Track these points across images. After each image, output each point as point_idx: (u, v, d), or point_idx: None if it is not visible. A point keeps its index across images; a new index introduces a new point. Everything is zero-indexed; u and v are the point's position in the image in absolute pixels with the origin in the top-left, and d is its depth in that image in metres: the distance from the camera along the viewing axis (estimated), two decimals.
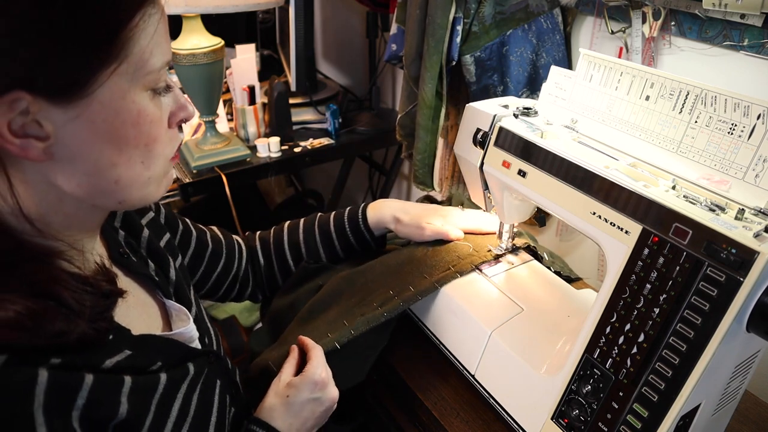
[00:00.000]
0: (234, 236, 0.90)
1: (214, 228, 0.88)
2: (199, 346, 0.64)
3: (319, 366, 0.68)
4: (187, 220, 0.82)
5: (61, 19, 0.40)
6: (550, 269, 0.88)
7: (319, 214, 0.93)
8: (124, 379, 0.48)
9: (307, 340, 0.72)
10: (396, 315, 0.77)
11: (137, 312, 0.58)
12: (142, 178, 0.50)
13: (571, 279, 0.92)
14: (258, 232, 0.94)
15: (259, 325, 1.61)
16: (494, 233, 0.90)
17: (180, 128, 0.54)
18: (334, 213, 0.93)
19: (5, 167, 0.44)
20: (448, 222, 0.88)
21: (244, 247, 0.90)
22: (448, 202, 1.05)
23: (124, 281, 0.58)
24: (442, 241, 0.87)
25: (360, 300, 0.80)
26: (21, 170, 0.45)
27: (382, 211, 0.90)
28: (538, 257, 0.89)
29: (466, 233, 0.88)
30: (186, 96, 0.54)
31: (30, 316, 0.41)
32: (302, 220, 0.93)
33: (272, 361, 0.74)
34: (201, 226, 0.84)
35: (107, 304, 0.49)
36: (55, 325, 0.43)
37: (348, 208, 0.92)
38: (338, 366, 0.72)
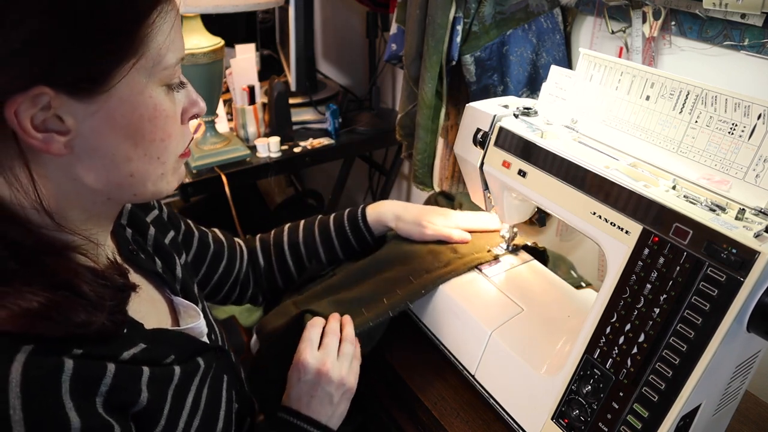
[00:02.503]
0: (235, 238, 0.91)
1: (215, 230, 0.88)
2: (207, 342, 0.65)
3: (301, 349, 0.70)
4: (189, 221, 0.82)
5: (82, 15, 0.41)
6: (582, 285, 0.88)
7: (320, 216, 0.94)
8: (142, 369, 0.50)
9: (330, 318, 0.75)
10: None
11: (147, 308, 0.59)
12: (156, 172, 0.51)
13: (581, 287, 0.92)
14: (258, 235, 0.94)
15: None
16: (496, 231, 0.90)
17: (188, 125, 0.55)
18: (334, 214, 0.93)
19: (28, 162, 0.45)
20: (449, 221, 0.88)
21: (245, 249, 0.90)
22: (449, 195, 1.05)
23: (133, 278, 0.59)
24: (443, 243, 0.87)
25: (395, 277, 0.82)
26: (42, 165, 0.46)
27: (382, 209, 0.90)
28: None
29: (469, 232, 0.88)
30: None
31: (53, 307, 0.42)
32: (302, 222, 0.94)
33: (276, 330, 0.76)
34: (203, 227, 0.85)
35: (122, 297, 0.50)
36: (78, 315, 0.44)
37: (348, 209, 0.92)
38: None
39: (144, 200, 0.54)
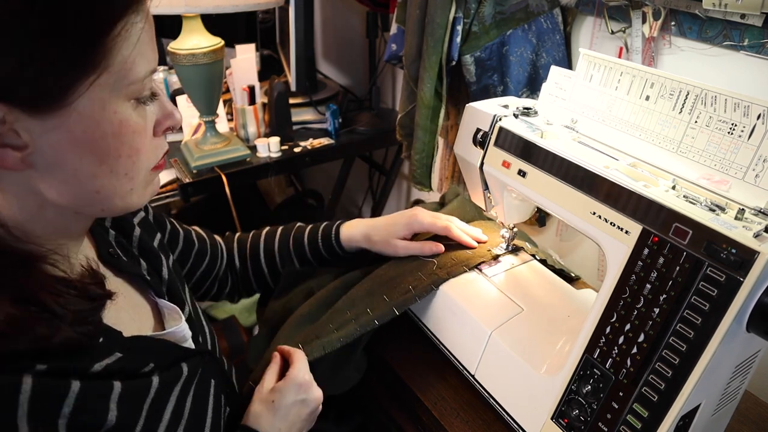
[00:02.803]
0: (215, 236, 0.91)
1: (197, 228, 0.88)
2: (192, 346, 0.64)
3: (302, 369, 0.68)
4: (173, 219, 0.82)
5: (38, 30, 0.39)
6: (546, 263, 0.87)
7: (298, 224, 0.93)
8: (113, 384, 0.47)
9: (287, 348, 0.72)
10: (367, 330, 0.75)
11: (128, 313, 0.58)
12: (124, 188, 0.49)
13: (571, 278, 0.92)
14: (237, 234, 0.94)
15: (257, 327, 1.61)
16: (473, 246, 0.87)
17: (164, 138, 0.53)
18: (310, 227, 0.92)
19: None
20: (412, 226, 0.85)
21: (224, 248, 0.91)
22: (443, 198, 1.05)
23: (114, 282, 0.58)
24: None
25: (335, 313, 0.79)
26: None
27: (354, 231, 0.88)
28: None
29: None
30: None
31: (9, 322, 0.41)
32: (280, 229, 0.92)
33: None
34: (185, 225, 0.85)
35: (94, 307, 0.48)
36: (36, 330, 0.42)
37: (324, 224, 0.91)
38: (329, 372, 0.73)
39: (114, 215, 0.52)
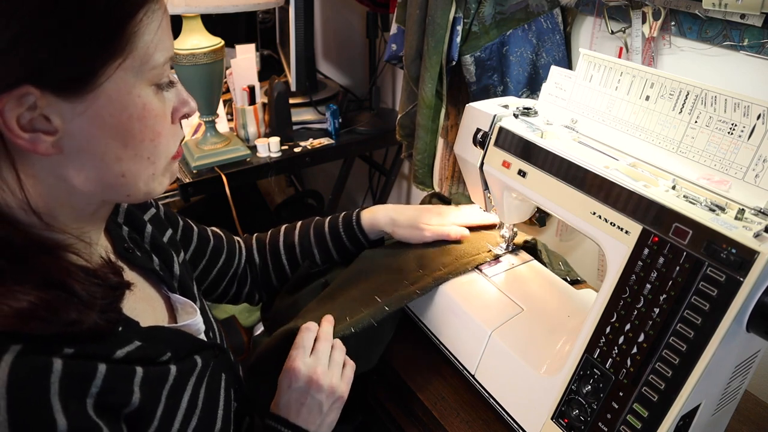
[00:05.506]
0: (234, 236, 0.91)
1: (214, 228, 0.89)
2: (204, 339, 0.65)
3: (293, 357, 0.68)
4: (186, 218, 0.83)
5: (68, 15, 0.41)
6: (567, 279, 0.88)
7: (317, 217, 0.94)
8: (135, 369, 0.50)
9: (323, 321, 0.74)
10: (428, 292, 0.79)
11: (143, 305, 0.59)
12: (147, 172, 0.51)
13: (577, 282, 0.92)
14: (255, 234, 0.95)
15: (259, 324, 1.61)
16: (495, 225, 0.90)
17: (179, 125, 0.55)
18: (330, 216, 0.93)
19: (14, 162, 0.45)
20: (445, 220, 0.88)
21: (243, 246, 0.91)
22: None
23: (129, 275, 0.59)
24: (444, 242, 0.86)
25: (390, 278, 0.81)
26: (29, 164, 0.46)
27: (378, 214, 0.89)
28: (542, 262, 0.89)
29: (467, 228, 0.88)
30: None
31: (44, 306, 0.42)
32: (299, 223, 0.94)
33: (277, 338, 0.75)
34: (202, 225, 0.85)
35: (116, 295, 0.50)
36: (69, 314, 0.44)
37: (344, 212, 0.92)
38: (350, 352, 0.73)
39: (137, 201, 0.53)
